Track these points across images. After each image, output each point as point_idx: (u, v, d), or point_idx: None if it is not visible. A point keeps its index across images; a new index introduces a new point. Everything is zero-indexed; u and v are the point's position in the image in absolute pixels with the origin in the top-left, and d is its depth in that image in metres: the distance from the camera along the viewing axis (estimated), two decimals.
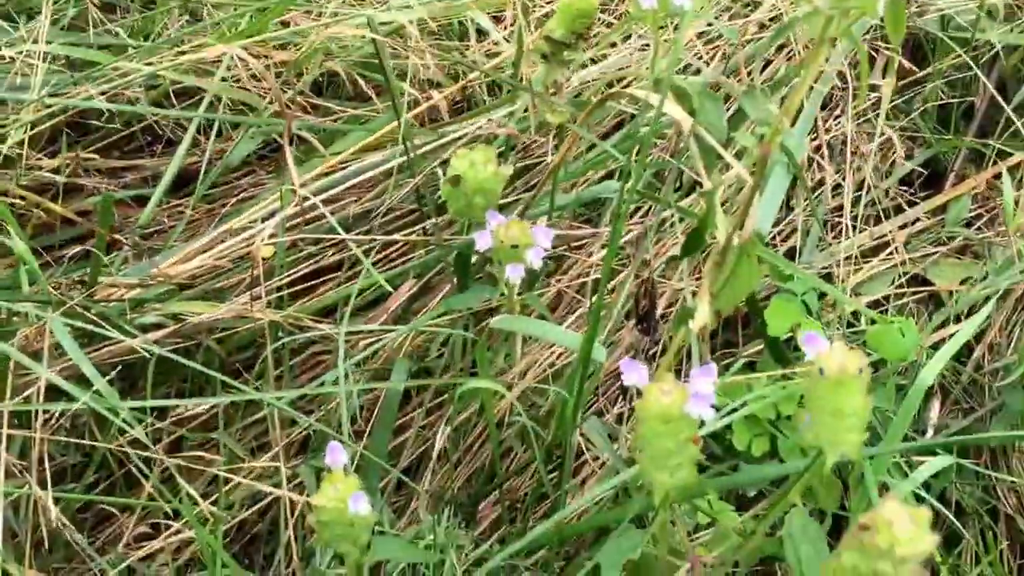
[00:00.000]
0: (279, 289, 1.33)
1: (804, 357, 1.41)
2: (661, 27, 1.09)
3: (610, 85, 1.47)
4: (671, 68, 1.04)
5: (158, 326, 1.30)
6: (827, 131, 1.52)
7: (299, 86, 1.53)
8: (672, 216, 1.40)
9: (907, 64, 1.68)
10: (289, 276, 1.35)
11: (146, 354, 1.24)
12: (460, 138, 1.39)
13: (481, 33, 1.54)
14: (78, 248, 1.40)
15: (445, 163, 1.41)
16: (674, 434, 0.85)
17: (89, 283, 1.25)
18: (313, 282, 1.43)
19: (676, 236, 1.43)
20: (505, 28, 1.53)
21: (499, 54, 1.51)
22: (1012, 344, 1.55)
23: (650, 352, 1.34)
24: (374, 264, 1.40)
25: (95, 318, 1.21)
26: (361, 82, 1.55)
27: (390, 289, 1.29)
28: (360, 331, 1.29)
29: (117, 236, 1.47)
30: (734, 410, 1.32)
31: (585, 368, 1.15)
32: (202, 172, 1.49)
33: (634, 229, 1.39)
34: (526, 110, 1.37)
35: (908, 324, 1.37)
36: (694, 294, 1.11)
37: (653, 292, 1.30)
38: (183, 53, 1.41)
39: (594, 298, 1.39)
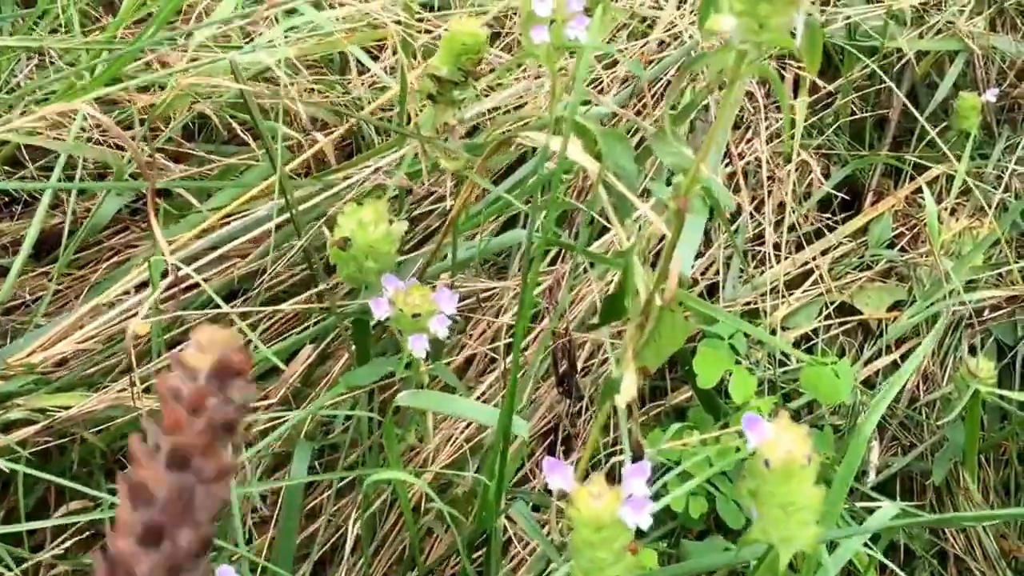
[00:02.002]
0: (159, 371, 1.20)
1: (734, 404, 1.34)
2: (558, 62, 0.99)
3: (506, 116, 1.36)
4: (572, 109, 0.93)
5: (26, 422, 1.16)
6: (740, 156, 1.42)
7: (166, 133, 1.40)
8: (585, 261, 1.29)
9: (816, 79, 1.59)
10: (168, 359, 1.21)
11: (16, 457, 1.11)
12: (348, 188, 1.26)
13: (363, 64, 1.42)
14: None
15: (333, 219, 1.29)
16: (608, 543, 0.74)
17: None
18: None
19: (591, 281, 1.32)
20: (385, 61, 1.41)
21: (386, 88, 1.39)
22: (945, 372, 1.47)
23: (573, 410, 1.24)
24: (265, 331, 1.28)
25: None
26: (236, 125, 1.42)
27: (282, 367, 1.16)
28: (255, 417, 1.16)
29: None
30: (668, 469, 1.23)
31: (505, 446, 1.04)
32: (64, 238, 1.34)
33: (545, 279, 1.28)
34: (417, 154, 1.25)
35: (842, 366, 1.28)
36: (617, 361, 1.00)
37: (572, 349, 1.19)
38: (28, 108, 1.27)
39: (508, 360, 1.28)
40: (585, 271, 1.31)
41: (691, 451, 1.19)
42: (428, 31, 1.29)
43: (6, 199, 1.48)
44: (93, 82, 1.13)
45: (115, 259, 1.45)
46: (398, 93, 1.23)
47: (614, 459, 1.10)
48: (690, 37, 1.38)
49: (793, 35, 0.77)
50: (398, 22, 1.14)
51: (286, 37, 1.17)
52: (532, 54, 0.96)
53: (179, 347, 1.30)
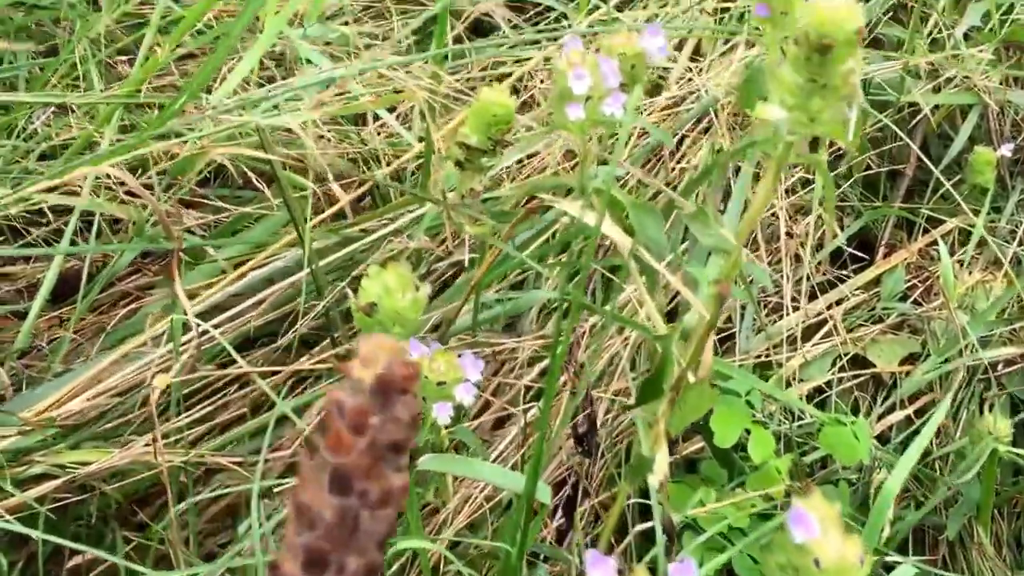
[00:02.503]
0: (179, 428, 1.19)
1: (751, 463, 1.35)
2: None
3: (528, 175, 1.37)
4: (607, 183, 0.93)
5: (46, 477, 1.15)
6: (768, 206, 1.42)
7: (184, 185, 1.40)
8: (604, 318, 1.30)
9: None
10: (190, 415, 1.21)
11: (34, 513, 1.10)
12: (369, 245, 1.26)
13: (379, 117, 1.42)
14: None
15: (355, 279, 1.29)
16: None
17: None
18: (215, 405, 1.30)
19: (609, 336, 1.32)
20: (399, 111, 1.41)
21: (400, 138, 1.39)
22: (959, 426, 1.48)
23: (593, 474, 1.24)
24: (280, 386, 1.27)
25: None
26: (250, 172, 1.42)
27: (296, 420, 1.16)
28: (281, 483, 1.15)
29: None
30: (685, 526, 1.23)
31: (528, 514, 1.04)
32: (83, 285, 1.34)
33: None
34: (438, 215, 1.25)
35: (861, 425, 1.29)
36: (645, 431, 1.00)
37: (592, 408, 1.19)
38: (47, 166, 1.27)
39: (528, 416, 1.29)
40: (603, 327, 1.31)
41: (718, 516, 1.19)
42: (452, 96, 1.29)
43: (19, 242, 1.47)
44: (120, 149, 1.12)
45: (130, 303, 1.45)
46: (418, 153, 1.23)
47: (639, 527, 1.10)
48: (706, 92, 1.38)
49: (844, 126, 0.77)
50: (428, 89, 1.14)
51: (306, 92, 1.17)
52: (563, 127, 0.96)
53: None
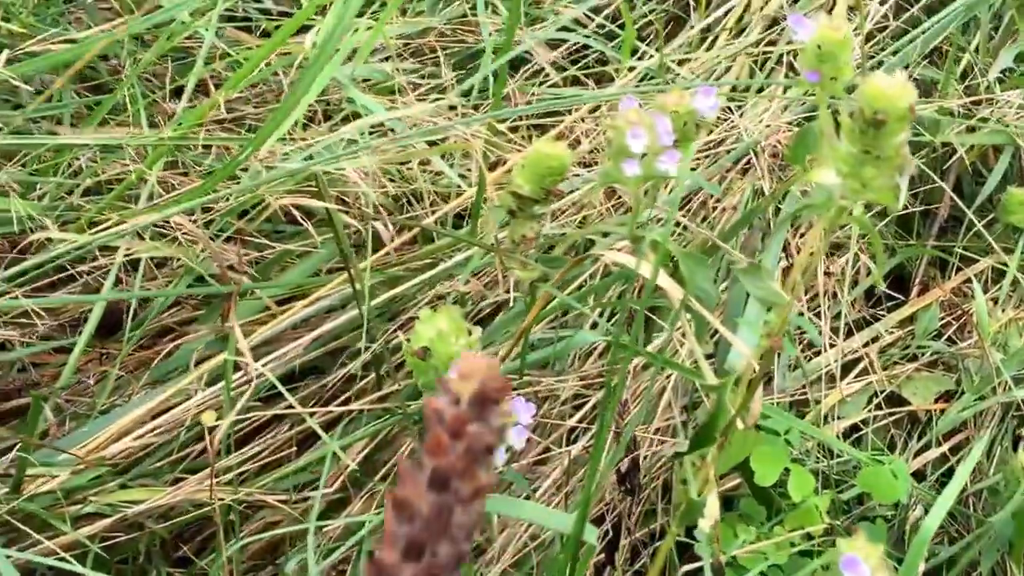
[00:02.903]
0: (229, 467, 1.21)
1: (788, 500, 1.36)
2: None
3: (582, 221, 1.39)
4: (665, 236, 0.95)
5: (96, 516, 1.17)
6: (797, 250, 1.44)
7: (228, 220, 1.42)
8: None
9: None
10: (241, 453, 1.23)
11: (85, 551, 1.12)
12: (417, 289, 1.28)
13: (422, 162, 1.44)
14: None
15: (405, 320, 1.31)
16: None
17: (13, 488, 1.12)
18: (262, 443, 1.31)
19: (649, 377, 1.34)
20: (447, 157, 1.43)
21: (449, 187, 1.41)
22: (992, 462, 1.49)
23: (633, 511, 1.25)
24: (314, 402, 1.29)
25: (21, 524, 1.09)
26: (295, 211, 1.44)
27: (341, 455, 1.18)
28: (327, 523, 1.17)
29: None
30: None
31: (576, 556, 1.06)
32: (128, 325, 1.36)
33: (610, 373, 1.30)
34: (485, 254, 1.27)
35: (899, 465, 1.30)
36: (693, 475, 1.02)
37: (635, 448, 1.21)
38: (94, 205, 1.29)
39: (572, 452, 1.30)
40: (646, 368, 1.33)
41: (760, 554, 1.21)
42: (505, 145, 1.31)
43: (62, 276, 1.49)
44: (186, 196, 1.15)
45: (170, 338, 1.46)
46: (468, 197, 1.25)
47: (686, 568, 1.12)
48: (746, 134, 1.40)
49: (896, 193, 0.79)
50: (486, 141, 1.16)
51: (361, 136, 1.19)
52: (618, 182, 0.98)
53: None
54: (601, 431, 1.02)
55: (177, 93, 1.50)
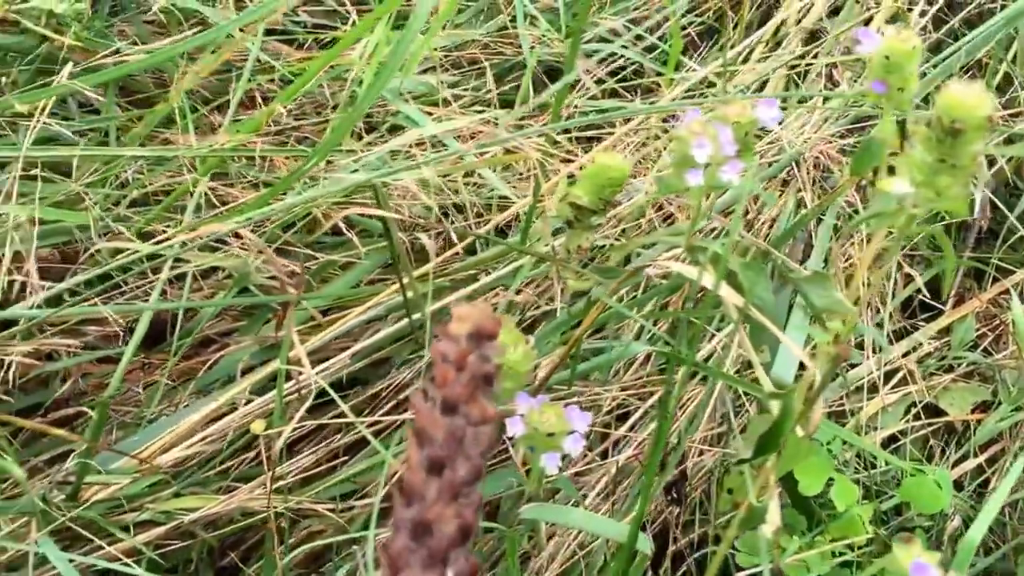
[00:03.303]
0: (280, 475, 1.22)
1: (828, 510, 1.37)
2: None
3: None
4: (726, 249, 0.96)
5: (150, 523, 1.18)
6: (847, 259, 1.45)
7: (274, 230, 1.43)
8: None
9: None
10: (293, 463, 1.24)
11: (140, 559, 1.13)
12: (469, 298, 1.29)
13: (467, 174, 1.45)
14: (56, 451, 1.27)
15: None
16: None
17: (71, 493, 1.13)
18: (313, 452, 1.32)
19: (693, 387, 1.35)
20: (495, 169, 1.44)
21: (491, 197, 1.42)
22: None
23: (681, 521, 1.26)
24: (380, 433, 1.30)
25: (79, 528, 1.10)
26: (340, 222, 1.45)
27: (391, 460, 1.18)
28: (378, 532, 1.18)
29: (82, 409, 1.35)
30: None
31: (629, 563, 1.07)
32: (176, 337, 1.37)
33: (652, 382, 1.31)
34: (536, 264, 1.28)
35: (942, 475, 1.31)
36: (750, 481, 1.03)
37: (684, 457, 1.22)
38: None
39: (618, 461, 1.31)
40: (692, 377, 1.33)
41: (803, 565, 1.21)
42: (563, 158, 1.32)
43: (104, 286, 1.50)
44: (247, 206, 1.16)
45: (211, 348, 1.47)
46: (513, 212, 1.26)
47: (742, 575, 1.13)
48: (790, 146, 1.41)
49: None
50: (544, 151, 1.17)
51: (409, 148, 1.20)
52: (677, 191, 0.99)
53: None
54: (658, 442, 1.03)
55: (218, 106, 1.52)
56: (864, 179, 1.42)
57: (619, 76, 1.57)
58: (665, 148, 1.42)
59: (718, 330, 1.37)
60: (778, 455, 1.01)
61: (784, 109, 1.50)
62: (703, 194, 0.99)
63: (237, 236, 1.35)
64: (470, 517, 0.43)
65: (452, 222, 1.40)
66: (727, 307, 1.03)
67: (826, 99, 1.46)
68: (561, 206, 1.09)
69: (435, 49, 1.45)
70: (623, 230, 1.45)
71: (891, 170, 0.93)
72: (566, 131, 1.38)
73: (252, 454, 1.30)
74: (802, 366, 1.32)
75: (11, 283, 1.19)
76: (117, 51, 1.41)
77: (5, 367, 1.17)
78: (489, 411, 0.45)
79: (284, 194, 1.27)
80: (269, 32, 1.62)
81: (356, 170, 1.27)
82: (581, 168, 1.22)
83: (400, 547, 0.43)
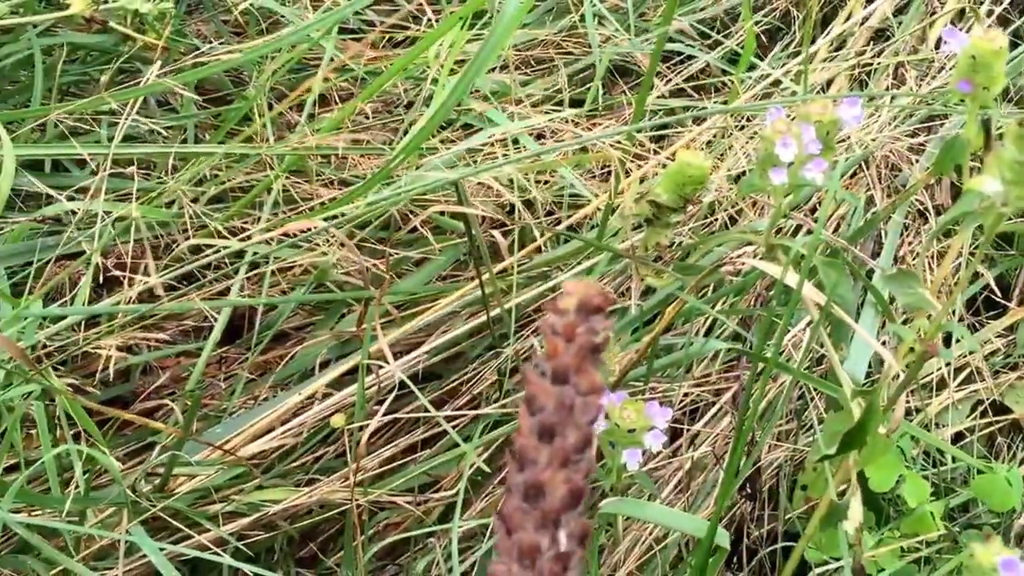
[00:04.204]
0: (362, 468, 1.25)
1: (896, 507, 1.38)
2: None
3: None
4: (812, 248, 0.97)
5: (233, 514, 1.21)
6: (913, 253, 1.46)
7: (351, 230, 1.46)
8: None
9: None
10: (374, 456, 1.26)
11: (226, 548, 1.16)
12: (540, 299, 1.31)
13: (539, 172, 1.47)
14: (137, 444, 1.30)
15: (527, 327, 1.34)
16: None
17: (160, 484, 1.16)
18: (394, 445, 1.35)
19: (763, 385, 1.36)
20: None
21: (560, 194, 1.44)
22: None
23: (753, 513, 1.28)
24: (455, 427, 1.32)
25: (168, 518, 1.13)
26: (413, 217, 1.47)
27: (486, 469, 1.21)
28: (463, 524, 1.20)
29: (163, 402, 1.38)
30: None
31: (707, 558, 1.08)
32: (256, 333, 1.40)
33: (726, 379, 1.33)
34: (612, 260, 1.30)
35: (1014, 474, 1.32)
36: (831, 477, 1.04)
37: (758, 453, 1.23)
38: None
39: (692, 456, 1.33)
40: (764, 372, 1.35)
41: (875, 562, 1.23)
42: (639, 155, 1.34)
43: (184, 283, 1.53)
44: (336, 203, 1.18)
45: (284, 343, 1.50)
46: (592, 209, 1.28)
47: (820, 569, 1.14)
48: (860, 145, 1.42)
49: None
50: (624, 150, 1.19)
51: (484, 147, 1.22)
52: (760, 190, 1.01)
53: None
54: (739, 440, 1.05)
55: (293, 104, 1.55)
56: (935, 178, 1.43)
57: (686, 75, 1.59)
58: (732, 148, 1.43)
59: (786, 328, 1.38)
60: (859, 452, 1.02)
61: None
62: (785, 193, 1.00)
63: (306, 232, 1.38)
64: (580, 482, 0.45)
65: (522, 220, 1.42)
66: (808, 305, 1.05)
67: (893, 98, 1.47)
68: (641, 204, 1.11)
69: (509, 48, 1.47)
70: (689, 228, 1.47)
71: (973, 169, 0.95)
72: (638, 130, 1.40)
73: (331, 448, 1.32)
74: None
75: (110, 278, 1.23)
76: (196, 49, 1.44)
77: (103, 361, 1.20)
78: (597, 381, 0.46)
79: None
80: (340, 31, 1.65)
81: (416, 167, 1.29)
82: (664, 167, 1.24)
83: (513, 508, 0.44)
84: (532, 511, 0.44)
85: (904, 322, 1.49)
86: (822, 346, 1.13)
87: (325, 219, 1.13)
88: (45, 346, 1.23)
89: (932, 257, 1.47)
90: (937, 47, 1.53)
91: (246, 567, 1.06)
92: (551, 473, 0.44)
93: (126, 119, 1.21)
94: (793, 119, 0.98)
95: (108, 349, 1.14)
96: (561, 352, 0.46)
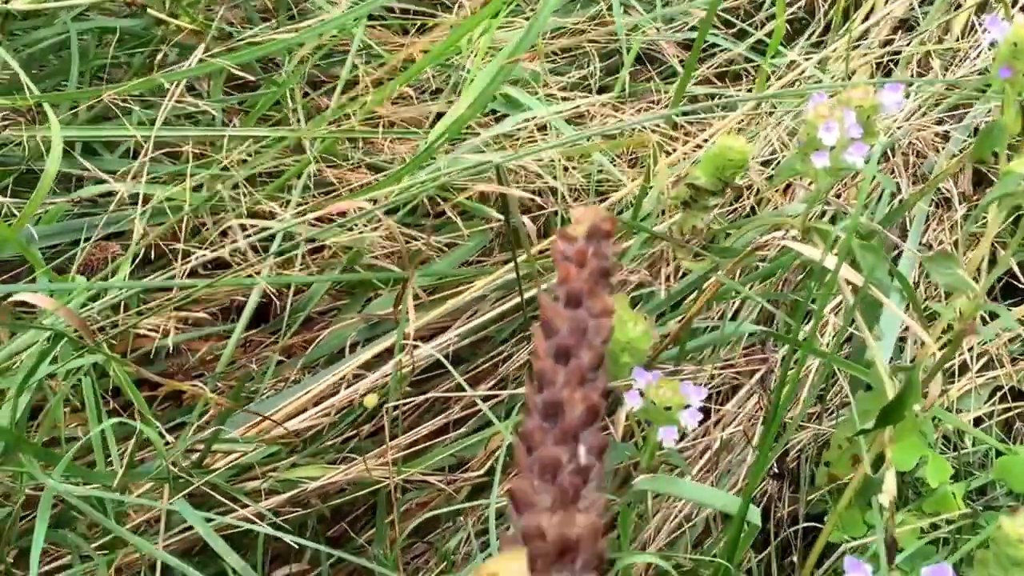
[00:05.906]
0: (394, 447, 1.26)
1: (916, 488, 1.40)
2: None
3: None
4: (850, 229, 0.99)
5: (270, 492, 1.23)
6: (939, 241, 1.48)
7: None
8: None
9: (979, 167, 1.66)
10: (407, 436, 1.28)
11: (263, 522, 1.17)
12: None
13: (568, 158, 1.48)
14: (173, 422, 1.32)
15: None
16: None
17: (199, 460, 1.18)
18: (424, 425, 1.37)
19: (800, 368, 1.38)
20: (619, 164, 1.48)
21: (588, 179, 1.45)
22: None
23: (781, 492, 1.30)
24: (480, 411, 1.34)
25: (209, 491, 1.14)
26: (443, 204, 1.49)
27: (506, 433, 1.22)
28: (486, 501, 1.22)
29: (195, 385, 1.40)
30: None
31: (738, 533, 1.10)
32: (287, 314, 1.41)
33: (753, 361, 1.34)
34: (645, 243, 1.32)
35: None
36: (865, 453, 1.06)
37: (786, 433, 1.25)
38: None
39: (722, 435, 1.35)
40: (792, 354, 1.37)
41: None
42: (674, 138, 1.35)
43: (211, 267, 1.55)
44: (379, 185, 1.20)
45: (312, 326, 1.51)
46: (634, 191, 1.30)
47: (850, 544, 1.16)
48: (886, 132, 1.44)
49: None
50: (664, 134, 1.21)
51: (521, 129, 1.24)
52: (804, 173, 1.03)
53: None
54: (773, 420, 1.07)
55: (323, 90, 1.56)
56: (963, 165, 1.45)
57: (712, 64, 1.61)
58: (760, 135, 1.45)
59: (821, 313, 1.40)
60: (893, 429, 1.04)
61: None
62: (827, 177, 1.02)
63: (342, 216, 1.40)
64: (597, 399, 0.46)
65: (552, 204, 1.44)
66: (842, 288, 1.07)
67: (926, 84, 1.49)
68: (679, 187, 1.13)
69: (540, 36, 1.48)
70: (717, 213, 1.48)
71: (1009, 157, 0.97)
72: (681, 114, 1.41)
73: (363, 428, 1.34)
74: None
75: (148, 255, 1.24)
76: (228, 35, 1.45)
77: (134, 342, 1.22)
78: (609, 303, 0.48)
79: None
80: (369, 17, 1.67)
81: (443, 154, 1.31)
82: (703, 149, 1.25)
83: (533, 427, 0.45)
84: (552, 429, 0.45)
85: (925, 310, 1.52)
86: (846, 328, 1.15)
87: (369, 201, 1.14)
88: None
89: (954, 245, 1.49)
90: (961, 37, 1.54)
91: (288, 538, 1.08)
92: (569, 392, 0.46)
93: (169, 100, 1.23)
94: (836, 104, 1.00)
95: (153, 329, 1.16)
96: (573, 277, 0.47)
